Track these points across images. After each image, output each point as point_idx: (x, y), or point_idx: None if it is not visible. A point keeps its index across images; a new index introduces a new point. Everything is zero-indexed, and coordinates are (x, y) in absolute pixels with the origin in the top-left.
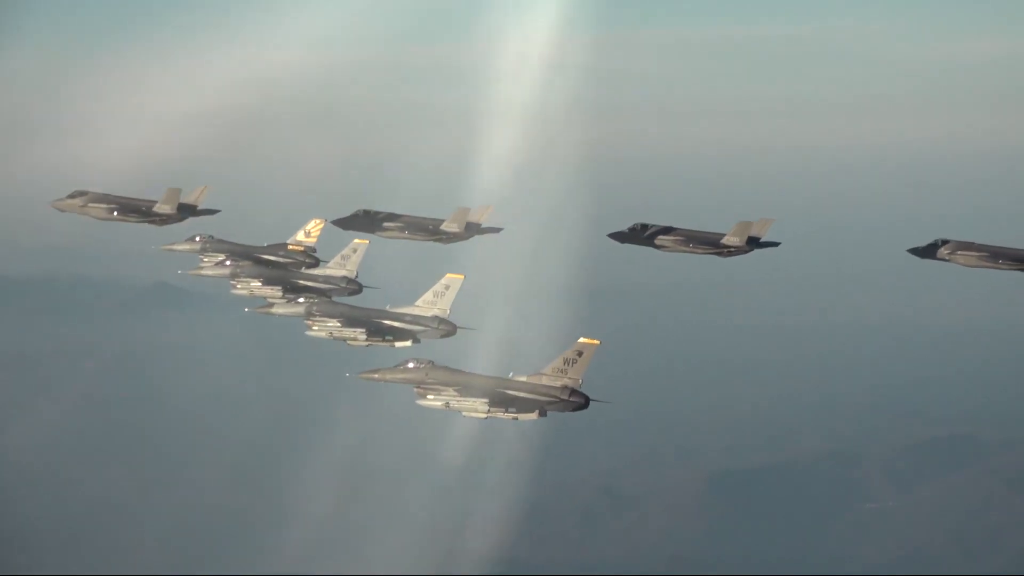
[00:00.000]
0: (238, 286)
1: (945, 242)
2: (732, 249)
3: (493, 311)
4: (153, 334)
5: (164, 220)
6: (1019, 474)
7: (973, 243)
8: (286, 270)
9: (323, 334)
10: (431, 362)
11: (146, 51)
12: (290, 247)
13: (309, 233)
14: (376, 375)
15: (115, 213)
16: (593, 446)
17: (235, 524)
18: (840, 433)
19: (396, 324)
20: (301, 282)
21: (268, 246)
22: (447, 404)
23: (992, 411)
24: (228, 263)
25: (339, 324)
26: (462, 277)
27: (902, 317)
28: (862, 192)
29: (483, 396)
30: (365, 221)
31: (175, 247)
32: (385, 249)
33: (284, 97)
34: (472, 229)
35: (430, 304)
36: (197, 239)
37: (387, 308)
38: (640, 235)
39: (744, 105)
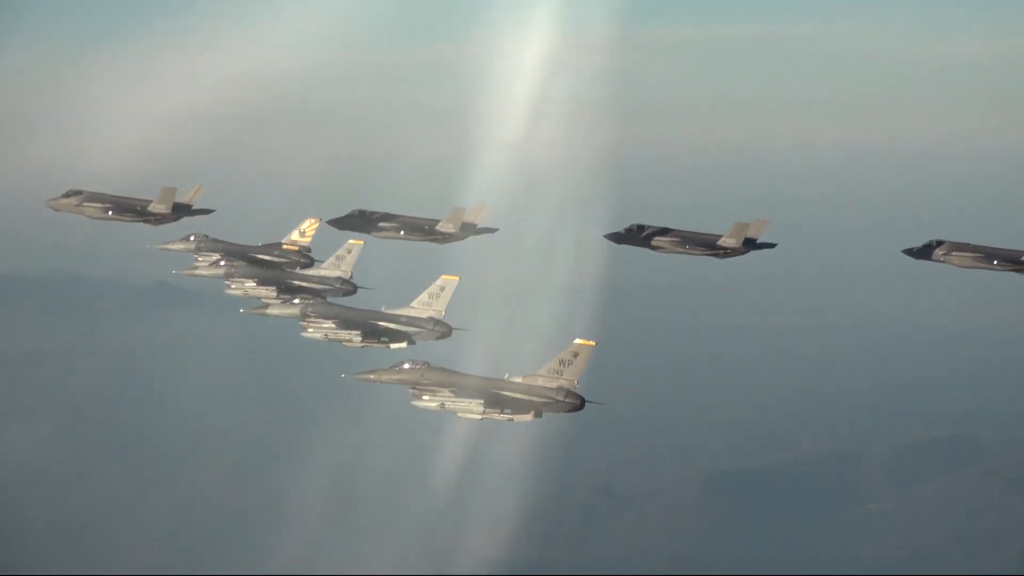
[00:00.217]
0: (232, 286)
1: (940, 243)
2: (729, 250)
3: (488, 311)
4: (152, 333)
5: (159, 220)
6: (1019, 474)
7: (968, 244)
8: (281, 270)
9: (318, 336)
10: (426, 363)
11: (140, 50)
12: (285, 247)
13: (304, 233)
14: (372, 376)
15: (110, 212)
16: (592, 447)
17: (235, 524)
18: (840, 433)
19: (391, 326)
20: (296, 282)
21: (263, 246)
22: (442, 405)
23: (992, 411)
24: (223, 263)
25: (334, 326)
26: (457, 279)
27: (900, 317)
28: (859, 193)
29: (478, 397)
30: (360, 221)
31: (170, 246)
32: (380, 250)
33: (280, 96)
34: (467, 229)
35: (425, 305)
36: (192, 238)
37: (382, 309)
38: (637, 236)
39: (742, 106)
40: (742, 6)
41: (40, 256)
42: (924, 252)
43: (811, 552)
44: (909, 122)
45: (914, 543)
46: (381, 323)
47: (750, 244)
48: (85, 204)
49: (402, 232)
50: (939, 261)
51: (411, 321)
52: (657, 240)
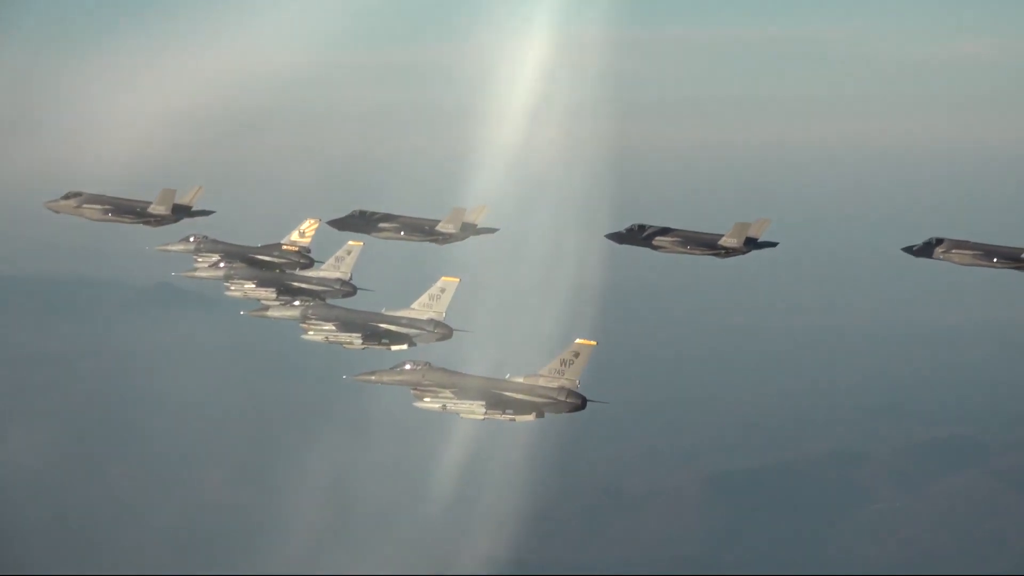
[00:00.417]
0: (232, 288)
1: (940, 241)
2: (730, 250)
3: (489, 312)
4: (155, 335)
5: (159, 221)
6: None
7: (967, 241)
8: (281, 271)
9: (319, 338)
10: (428, 364)
11: (138, 50)
12: (284, 247)
13: (304, 233)
14: (373, 377)
15: (109, 214)
16: (594, 447)
17: (235, 524)
18: (843, 433)
19: (392, 328)
20: (295, 284)
21: (262, 246)
22: (444, 407)
23: (996, 411)
24: (222, 265)
25: (335, 328)
26: (458, 280)
27: (902, 316)
28: (859, 191)
29: (480, 398)
30: (361, 222)
31: (169, 247)
32: (379, 251)
33: (280, 97)
34: (468, 230)
35: (426, 307)
36: (191, 239)
37: (383, 311)
38: (638, 236)
39: (742, 105)
40: (741, 6)
41: (42, 257)
42: (924, 250)
43: (814, 552)
44: (908, 121)
45: (918, 543)
46: (382, 325)
47: (751, 244)
48: (85, 206)
49: (402, 233)
50: (939, 259)
51: (411, 323)
52: (658, 240)
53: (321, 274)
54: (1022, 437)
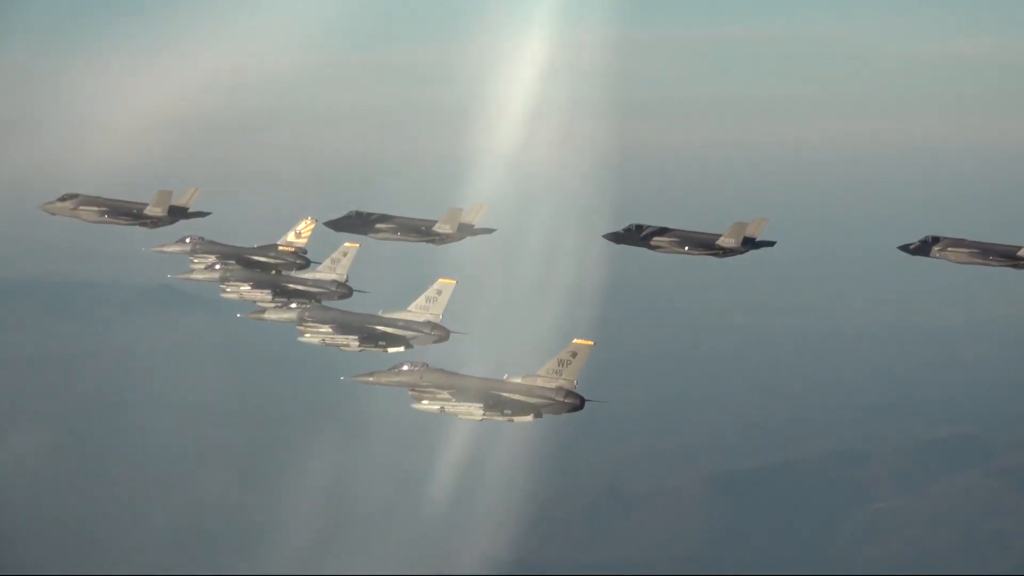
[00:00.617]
0: (228, 289)
1: (936, 239)
2: (728, 250)
3: (487, 312)
4: (155, 336)
5: (155, 223)
6: None
7: (964, 239)
8: (277, 272)
9: (315, 340)
10: (425, 365)
11: (135, 51)
12: (280, 248)
13: (300, 234)
14: (371, 378)
15: (106, 216)
16: (595, 447)
17: (234, 525)
18: (844, 433)
19: (389, 330)
20: (291, 286)
21: (258, 247)
22: (442, 408)
23: (999, 410)
24: (218, 267)
25: (331, 330)
26: (454, 282)
27: (903, 314)
28: (859, 191)
29: (478, 399)
30: (357, 222)
31: (165, 249)
32: (376, 252)
33: (277, 98)
34: (465, 230)
35: (422, 309)
36: (187, 240)
37: (380, 313)
38: (636, 236)
39: (740, 105)
40: (739, 7)
41: (41, 258)
42: (922, 248)
43: (816, 552)
44: (905, 120)
45: (920, 543)
46: (378, 327)
47: (749, 243)
48: (81, 208)
49: (399, 233)
50: (935, 257)
51: (408, 325)
52: (656, 240)
53: (317, 276)
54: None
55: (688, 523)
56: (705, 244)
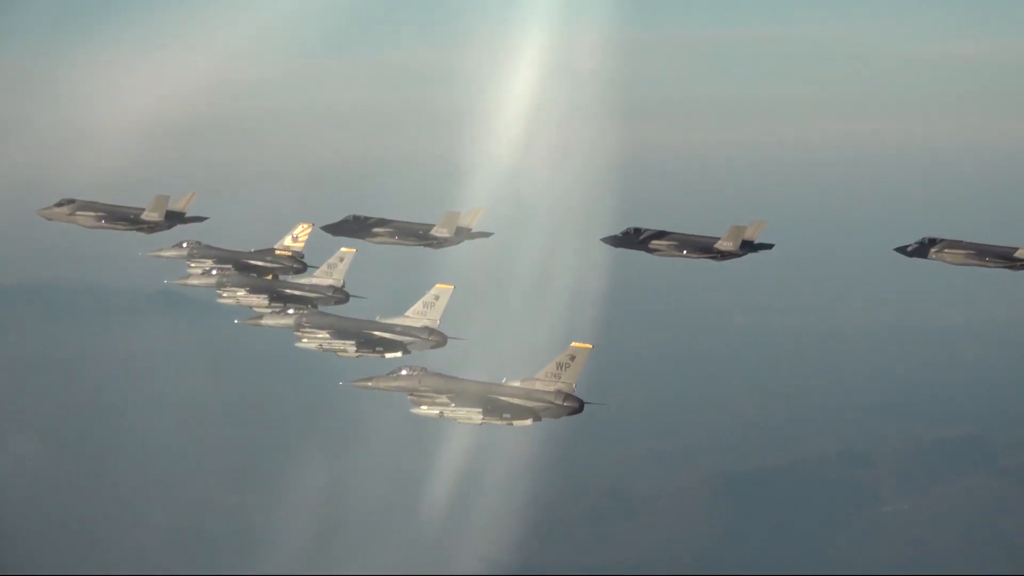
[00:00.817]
0: (224, 295)
1: (933, 240)
2: (726, 253)
3: (485, 315)
4: (157, 340)
5: (152, 228)
6: None
7: (960, 241)
8: (274, 276)
9: (313, 346)
10: (424, 369)
11: (131, 55)
12: (277, 252)
13: (297, 238)
14: (370, 383)
15: (103, 221)
16: (597, 450)
17: (237, 524)
18: (848, 434)
19: (386, 335)
20: (287, 291)
21: (255, 251)
22: (441, 413)
23: (1002, 410)
24: (214, 272)
25: (329, 336)
26: (452, 287)
27: (904, 315)
28: (859, 192)
29: (477, 403)
30: (355, 226)
31: (162, 253)
32: (373, 256)
33: (275, 101)
34: (462, 234)
35: (420, 315)
36: (184, 245)
37: (377, 319)
38: (634, 239)
39: (739, 107)
40: (738, 8)
41: (40, 263)
42: (919, 250)
43: (820, 554)
44: (905, 120)
45: (923, 544)
46: (375, 333)
47: (747, 246)
48: (78, 213)
49: (396, 237)
50: (932, 259)
51: (406, 330)
52: (654, 243)
53: (313, 281)
54: None
55: (690, 524)
56: (703, 248)
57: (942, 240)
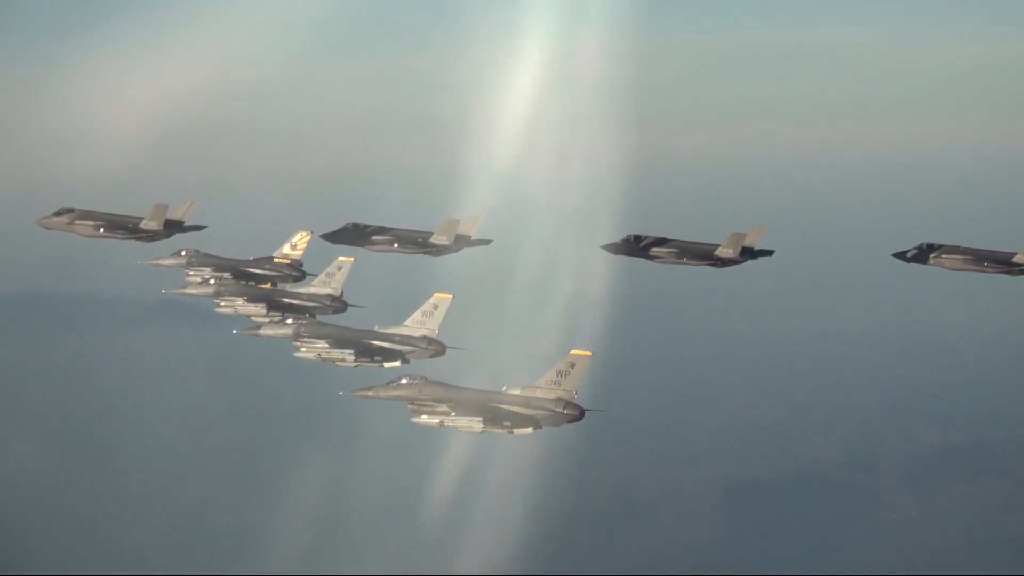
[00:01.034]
0: (222, 304)
1: (932, 246)
2: (726, 260)
3: (484, 323)
4: (159, 349)
5: (151, 237)
6: None
7: (959, 246)
8: (272, 284)
9: (311, 355)
10: (424, 378)
11: (127, 61)
12: (276, 260)
13: (295, 246)
14: (370, 392)
15: (101, 230)
16: (601, 456)
17: (237, 524)
18: (853, 437)
19: (385, 345)
20: (285, 300)
21: (254, 259)
22: (441, 423)
23: (1007, 415)
24: (212, 281)
25: (327, 345)
26: (451, 297)
27: (907, 320)
28: (860, 195)
29: (477, 412)
30: (354, 235)
31: (161, 262)
32: (371, 264)
33: (273, 108)
34: (462, 241)
35: (419, 324)
36: (183, 253)
37: (376, 328)
38: (634, 247)
39: (740, 111)
40: (737, 10)
41: (38, 272)
42: (918, 256)
43: (827, 559)
44: (907, 124)
45: (929, 549)
46: (374, 342)
47: (747, 253)
48: (76, 222)
49: (396, 245)
50: (931, 264)
51: (404, 340)
52: (654, 250)
53: (312, 290)
54: None
55: (694, 530)
56: (703, 255)
57: (941, 246)
